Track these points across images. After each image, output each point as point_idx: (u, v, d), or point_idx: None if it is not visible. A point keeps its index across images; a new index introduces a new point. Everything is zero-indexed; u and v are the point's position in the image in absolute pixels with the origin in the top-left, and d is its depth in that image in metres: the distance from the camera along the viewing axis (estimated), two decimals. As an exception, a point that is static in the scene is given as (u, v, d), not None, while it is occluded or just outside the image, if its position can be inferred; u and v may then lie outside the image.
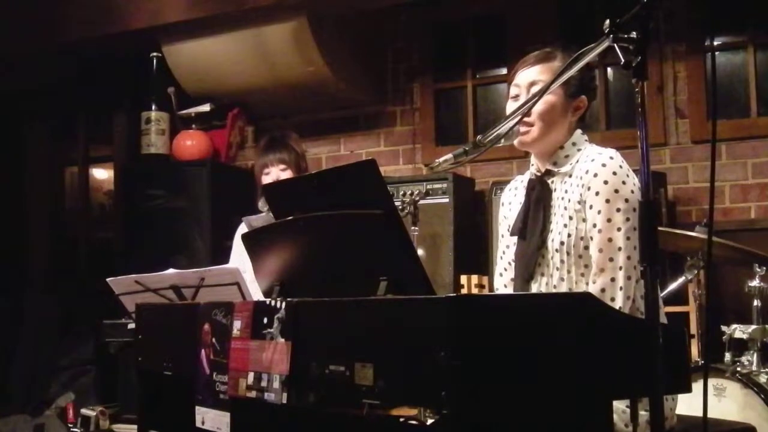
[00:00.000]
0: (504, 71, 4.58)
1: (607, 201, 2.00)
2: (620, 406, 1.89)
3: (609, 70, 4.32)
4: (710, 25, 4.06)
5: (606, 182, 2.00)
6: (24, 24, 4.81)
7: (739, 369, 2.79)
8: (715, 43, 4.14)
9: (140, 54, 4.68)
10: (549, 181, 2.16)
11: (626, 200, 1.98)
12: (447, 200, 4.01)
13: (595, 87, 2.27)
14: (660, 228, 2.20)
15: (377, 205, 1.56)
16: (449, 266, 3.94)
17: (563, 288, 2.07)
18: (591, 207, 2.02)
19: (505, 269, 2.29)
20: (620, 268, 1.97)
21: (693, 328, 3.23)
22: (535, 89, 2.14)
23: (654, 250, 1.47)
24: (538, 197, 2.15)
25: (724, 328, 2.98)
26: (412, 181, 4.11)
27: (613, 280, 1.97)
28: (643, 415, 1.77)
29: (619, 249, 1.98)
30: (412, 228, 3.84)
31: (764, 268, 2.97)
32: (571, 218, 2.06)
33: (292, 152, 3.31)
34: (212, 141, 4.69)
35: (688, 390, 1.65)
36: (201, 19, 4.41)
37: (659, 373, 1.42)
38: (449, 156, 1.93)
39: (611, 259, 1.98)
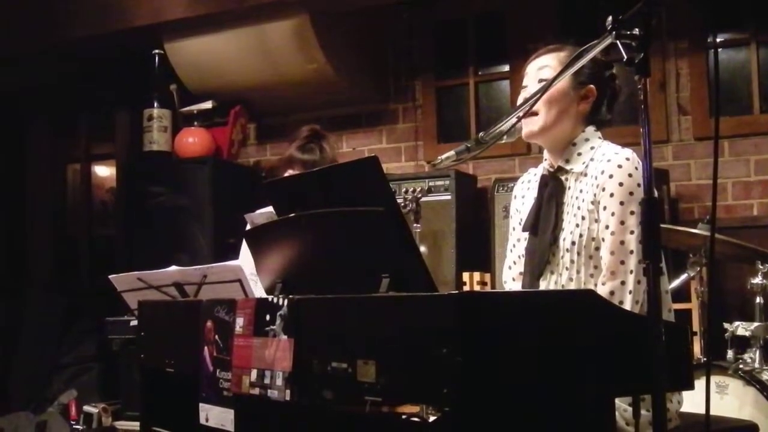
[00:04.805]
0: (506, 68, 4.58)
1: (621, 203, 1.98)
2: (622, 405, 1.89)
3: (611, 66, 4.32)
4: (713, 22, 4.05)
5: (621, 184, 1.98)
6: (26, 22, 4.81)
7: (741, 366, 2.78)
8: (718, 40, 4.13)
9: (142, 51, 4.68)
10: (563, 178, 2.14)
11: (640, 203, 1.97)
12: (449, 197, 4.01)
13: (608, 78, 2.18)
14: (662, 225, 2.20)
15: (379, 202, 1.56)
16: (451, 263, 3.94)
17: (571, 288, 2.05)
18: (605, 208, 2.00)
19: (514, 262, 2.28)
20: (631, 272, 1.96)
21: (695, 326, 3.22)
22: (542, 74, 2.13)
23: (656, 247, 1.46)
24: (551, 194, 2.13)
25: (726, 325, 2.98)
26: (414, 179, 4.11)
27: (623, 283, 1.96)
28: (645, 415, 1.77)
29: (631, 252, 1.96)
30: (414, 225, 3.84)
31: (767, 265, 2.96)
32: (583, 218, 2.05)
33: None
34: (214, 138, 4.69)
35: (691, 387, 1.65)
36: (203, 17, 4.41)
37: (661, 371, 1.42)
38: (451, 153, 1.93)
39: (622, 263, 1.97)
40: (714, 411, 1.78)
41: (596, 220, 2.03)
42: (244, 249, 3.45)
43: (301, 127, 3.33)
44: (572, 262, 2.06)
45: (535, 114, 2.10)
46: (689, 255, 3.06)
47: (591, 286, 2.01)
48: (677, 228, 3.07)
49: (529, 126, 2.12)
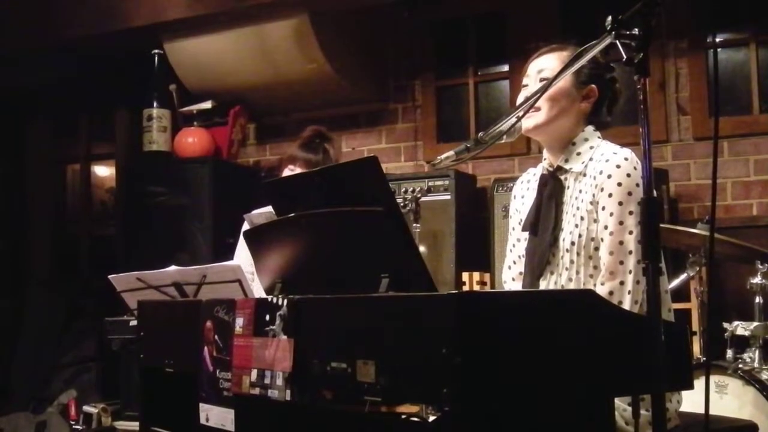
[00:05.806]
0: (505, 68, 4.58)
1: (620, 203, 1.98)
2: (621, 405, 1.89)
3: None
4: (712, 22, 4.05)
5: (620, 184, 1.99)
6: (25, 22, 4.81)
7: (740, 366, 2.79)
8: (717, 40, 4.13)
9: (142, 51, 4.68)
10: (562, 178, 2.15)
11: (639, 203, 1.97)
12: (449, 197, 4.01)
13: (609, 81, 2.19)
14: (662, 225, 2.20)
15: (379, 202, 1.56)
16: (451, 263, 3.94)
17: (571, 288, 2.05)
18: (603, 208, 2.00)
19: (514, 262, 2.29)
20: (630, 272, 1.96)
21: (695, 325, 3.23)
22: (543, 74, 2.14)
23: (655, 247, 1.47)
24: (551, 194, 2.13)
25: (725, 325, 2.98)
26: (413, 178, 4.11)
27: (622, 283, 1.96)
28: (645, 414, 1.77)
29: (630, 252, 1.96)
30: (414, 225, 3.84)
31: (766, 264, 2.97)
32: (582, 218, 2.05)
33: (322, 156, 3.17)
34: (214, 138, 4.69)
35: (690, 387, 1.65)
36: (202, 17, 4.41)
37: (661, 371, 1.42)
38: (451, 153, 1.93)
39: (621, 263, 1.97)
40: (713, 410, 1.78)
41: (595, 221, 2.03)
42: (240, 247, 3.46)
43: (306, 128, 3.32)
44: (572, 262, 2.06)
45: (538, 110, 2.11)
46: (689, 255, 3.07)
47: (590, 287, 2.01)
48: (676, 228, 3.07)
49: (531, 120, 2.12)
